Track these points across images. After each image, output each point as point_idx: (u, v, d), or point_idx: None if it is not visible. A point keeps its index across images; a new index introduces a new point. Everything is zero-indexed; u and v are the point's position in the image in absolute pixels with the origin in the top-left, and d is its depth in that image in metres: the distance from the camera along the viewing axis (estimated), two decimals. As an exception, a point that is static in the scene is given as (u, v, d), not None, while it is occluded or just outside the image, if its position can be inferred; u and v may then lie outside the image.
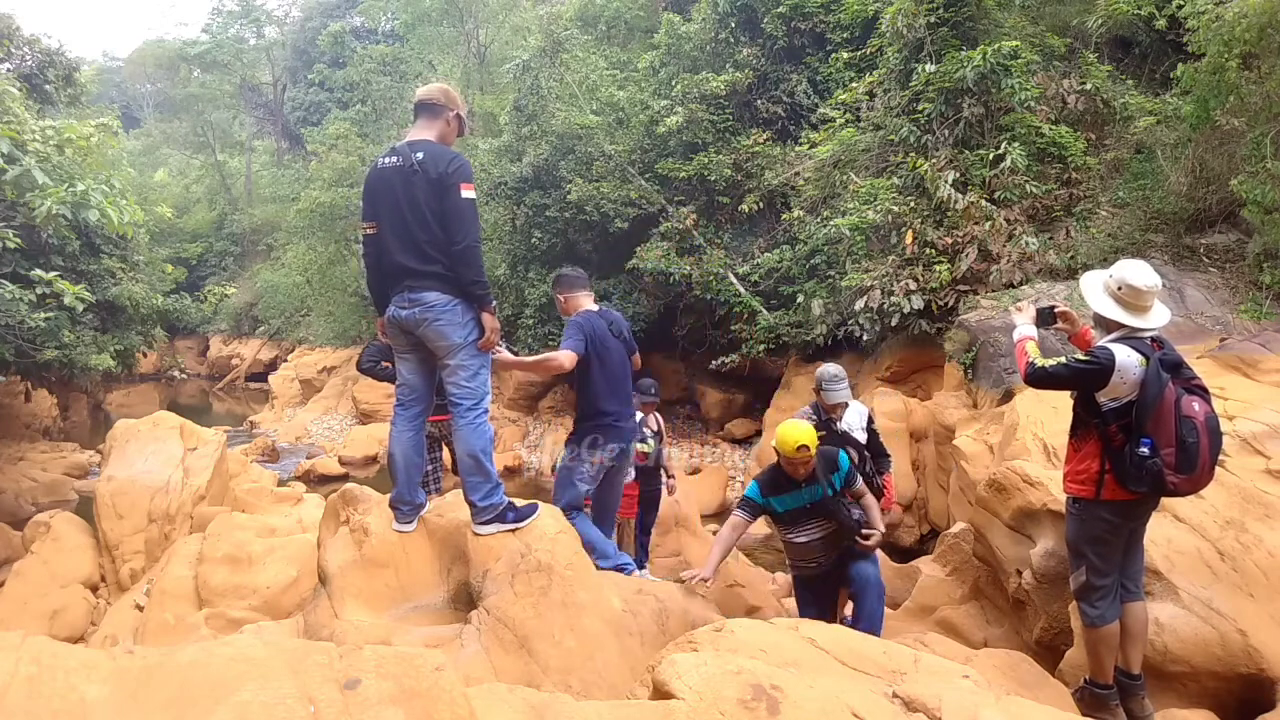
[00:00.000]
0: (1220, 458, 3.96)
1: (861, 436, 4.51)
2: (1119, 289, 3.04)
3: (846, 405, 4.48)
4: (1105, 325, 3.12)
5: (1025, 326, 3.30)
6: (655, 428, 5.92)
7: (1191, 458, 2.83)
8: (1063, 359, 3.05)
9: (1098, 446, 3.03)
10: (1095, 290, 3.12)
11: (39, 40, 13.05)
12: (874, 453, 4.58)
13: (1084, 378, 2.99)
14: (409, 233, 3.20)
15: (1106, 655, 3.11)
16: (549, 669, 2.84)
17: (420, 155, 3.19)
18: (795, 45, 13.30)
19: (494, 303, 3.31)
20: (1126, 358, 2.92)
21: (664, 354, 14.74)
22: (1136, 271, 3.03)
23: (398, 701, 1.62)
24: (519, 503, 3.45)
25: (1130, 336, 3.01)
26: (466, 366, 3.28)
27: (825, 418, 4.39)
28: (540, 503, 3.54)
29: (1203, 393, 2.97)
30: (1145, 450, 2.86)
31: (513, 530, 3.31)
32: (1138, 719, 3.14)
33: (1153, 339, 3.03)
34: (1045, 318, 3.32)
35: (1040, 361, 3.07)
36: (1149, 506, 3.13)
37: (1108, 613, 3.07)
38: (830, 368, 4.51)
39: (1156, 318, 3.05)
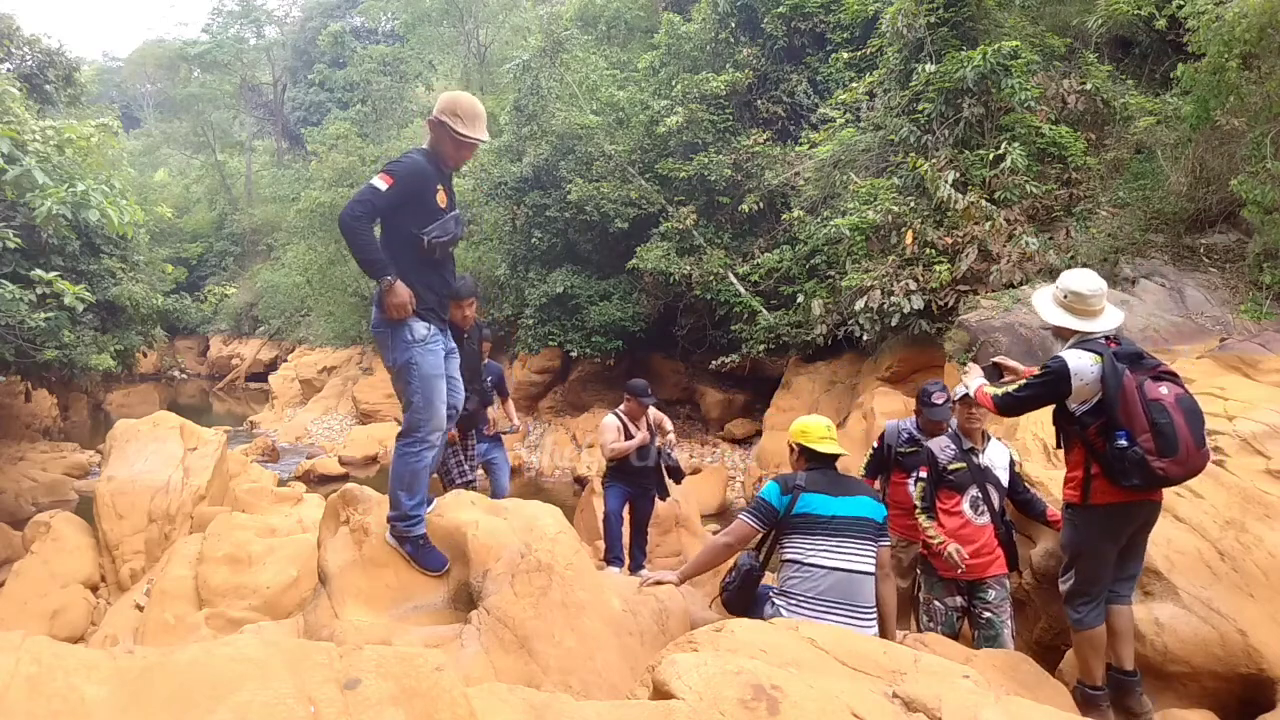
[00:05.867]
0: (1220, 458, 3.98)
1: (1003, 476, 3.87)
2: (1065, 297, 3.19)
3: (948, 426, 4.05)
4: (1061, 335, 3.25)
5: (977, 379, 3.53)
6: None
7: (1169, 439, 2.83)
8: (1021, 380, 3.25)
9: (1082, 452, 3.09)
10: (1045, 303, 3.27)
11: (39, 40, 13.10)
12: (1019, 504, 3.92)
13: (1046, 389, 3.10)
14: None
15: (1092, 656, 3.17)
16: (549, 669, 2.84)
17: None
18: (795, 45, 13.30)
19: (390, 277, 3.02)
20: (1078, 360, 3.01)
21: (664, 354, 14.75)
22: (1080, 279, 3.17)
23: (398, 701, 1.62)
24: (431, 545, 3.31)
25: (1083, 340, 3.10)
26: (401, 392, 3.25)
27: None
28: (540, 502, 3.54)
29: (1171, 377, 3.00)
30: (1123, 442, 2.88)
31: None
32: (1136, 715, 3.15)
33: (1106, 337, 3.10)
34: (990, 374, 3.61)
35: (1001, 391, 3.27)
36: (1147, 511, 3.10)
37: (1088, 617, 3.13)
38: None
39: (1108, 320, 3.15)
